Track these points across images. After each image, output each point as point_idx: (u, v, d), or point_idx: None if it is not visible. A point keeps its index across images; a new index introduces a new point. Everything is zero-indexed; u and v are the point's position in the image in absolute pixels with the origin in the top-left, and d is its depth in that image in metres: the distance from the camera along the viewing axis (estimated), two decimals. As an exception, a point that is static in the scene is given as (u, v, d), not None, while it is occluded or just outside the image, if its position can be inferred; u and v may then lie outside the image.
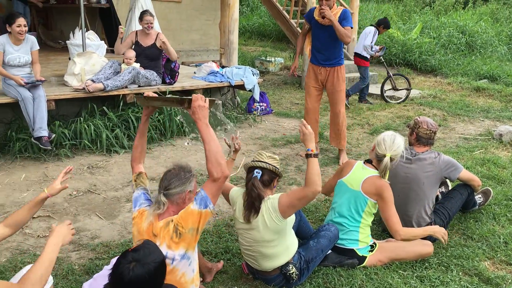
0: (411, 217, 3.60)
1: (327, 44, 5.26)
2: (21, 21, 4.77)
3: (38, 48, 5.12)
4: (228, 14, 7.26)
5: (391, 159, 3.28)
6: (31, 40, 5.01)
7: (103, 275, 2.50)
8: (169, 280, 2.38)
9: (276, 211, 2.82)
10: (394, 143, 3.29)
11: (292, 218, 3.00)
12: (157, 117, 5.92)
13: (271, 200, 2.86)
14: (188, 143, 5.33)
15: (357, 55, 8.40)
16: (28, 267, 2.35)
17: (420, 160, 3.63)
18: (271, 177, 2.91)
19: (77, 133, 5.33)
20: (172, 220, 2.43)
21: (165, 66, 6.19)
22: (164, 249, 2.39)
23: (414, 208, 3.60)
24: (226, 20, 7.32)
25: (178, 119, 5.92)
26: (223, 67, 7.39)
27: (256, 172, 2.90)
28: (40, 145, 4.91)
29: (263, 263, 2.98)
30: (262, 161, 2.91)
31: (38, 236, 3.57)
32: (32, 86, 4.90)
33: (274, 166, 2.90)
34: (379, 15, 15.45)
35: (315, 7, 5.32)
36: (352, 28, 5.20)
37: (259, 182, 2.87)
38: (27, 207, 2.49)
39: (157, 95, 2.75)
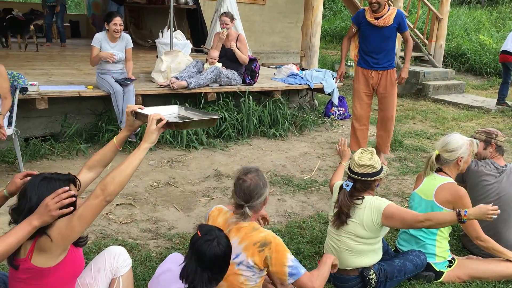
0: (501, 241, 3.30)
1: (379, 46, 5.11)
2: (118, 20, 5.11)
3: (132, 46, 5.45)
4: (311, 17, 7.25)
5: (441, 159, 3.14)
6: (126, 39, 5.34)
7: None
8: (230, 282, 2.42)
9: (380, 214, 2.79)
10: (448, 143, 3.13)
11: (387, 229, 2.95)
12: (235, 116, 6.05)
13: (379, 202, 2.84)
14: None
15: (505, 52, 8.23)
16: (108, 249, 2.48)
17: (508, 175, 3.40)
18: (366, 183, 2.88)
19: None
20: (269, 248, 2.42)
21: (246, 66, 6.31)
22: (239, 249, 2.43)
23: (507, 231, 3.36)
24: (309, 23, 7.32)
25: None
26: (303, 69, 7.39)
27: (345, 185, 2.89)
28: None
29: (345, 259, 2.93)
30: (353, 172, 2.88)
31: (120, 222, 3.77)
32: (123, 84, 5.21)
33: (364, 174, 2.85)
34: (470, 21, 14.69)
35: (364, 9, 5.17)
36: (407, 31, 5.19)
37: (347, 196, 2.88)
38: None
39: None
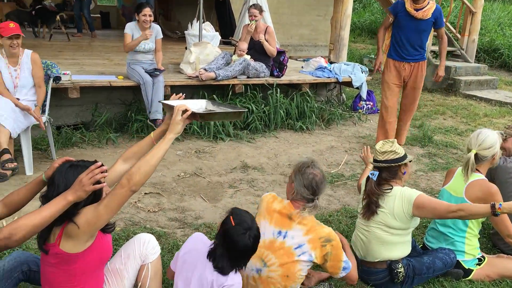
0: None
1: (414, 38, 5.09)
2: (147, 11, 5.16)
3: (162, 37, 5.50)
4: (341, 9, 7.17)
5: (478, 157, 3.05)
6: (156, 29, 5.39)
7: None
8: (287, 268, 2.44)
9: (411, 203, 2.79)
10: (484, 140, 3.05)
11: (417, 221, 2.93)
12: (262, 108, 6.05)
13: (410, 191, 2.84)
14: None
15: None
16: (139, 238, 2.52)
17: None
18: (392, 171, 2.87)
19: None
20: (332, 245, 2.49)
21: (275, 59, 6.29)
22: (304, 240, 2.46)
23: None
24: (339, 15, 7.24)
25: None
26: (331, 62, 7.33)
27: (371, 174, 2.89)
28: (154, 127, 5.26)
29: (374, 250, 2.92)
30: (376, 161, 2.89)
31: (148, 210, 3.83)
32: (152, 75, 5.27)
33: (387, 161, 2.84)
34: (504, 16, 14.28)
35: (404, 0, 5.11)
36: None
37: (374, 184, 2.88)
38: (24, 188, 2.25)
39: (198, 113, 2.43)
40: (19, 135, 4.18)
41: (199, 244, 2.39)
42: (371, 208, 2.91)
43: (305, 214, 2.50)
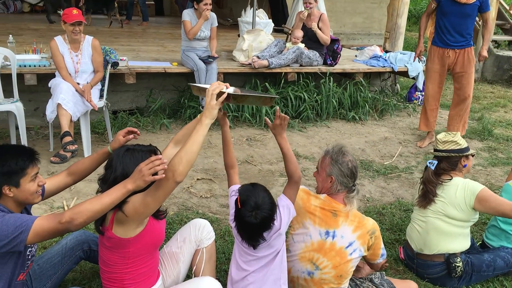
0: None
1: (459, 24, 4.87)
2: (208, 0, 5.17)
3: (217, 25, 5.52)
4: (399, -4, 6.94)
5: None
6: (212, 17, 5.41)
7: None
8: (341, 269, 2.37)
9: (474, 195, 2.71)
10: None
11: (477, 216, 2.84)
12: (315, 97, 5.97)
13: (474, 183, 2.77)
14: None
15: None
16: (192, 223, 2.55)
17: None
18: (451, 161, 2.78)
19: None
20: (375, 236, 2.43)
21: (328, 47, 6.17)
22: (353, 237, 2.37)
23: None
24: (396, 2, 7.01)
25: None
26: (386, 51, 7.12)
27: (429, 163, 2.82)
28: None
29: (431, 241, 2.83)
30: (436, 150, 2.82)
31: (200, 196, 3.88)
32: (206, 62, 5.30)
33: (447, 150, 2.75)
34: None
35: None
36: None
37: (431, 173, 2.81)
38: (89, 158, 2.40)
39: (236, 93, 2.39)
40: (79, 118, 4.32)
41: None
42: (427, 196, 2.84)
43: (353, 208, 2.39)
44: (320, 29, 5.92)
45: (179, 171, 1.90)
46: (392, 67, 6.59)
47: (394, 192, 4.23)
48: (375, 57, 6.77)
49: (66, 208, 3.48)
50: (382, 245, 2.50)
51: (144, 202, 1.96)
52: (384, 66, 6.59)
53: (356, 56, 7.17)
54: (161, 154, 2.18)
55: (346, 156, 2.40)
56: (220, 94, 2.06)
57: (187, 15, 5.34)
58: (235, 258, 2.29)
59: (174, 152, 2.46)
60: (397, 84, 7.35)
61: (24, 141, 4.22)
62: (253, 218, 2.09)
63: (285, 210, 2.23)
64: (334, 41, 6.22)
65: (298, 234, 2.44)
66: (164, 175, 1.93)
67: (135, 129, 2.37)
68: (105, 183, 2.05)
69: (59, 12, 6.06)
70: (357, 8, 11.04)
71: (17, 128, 4.31)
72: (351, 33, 11.12)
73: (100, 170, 2.24)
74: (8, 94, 4.39)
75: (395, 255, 3.20)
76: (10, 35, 5.04)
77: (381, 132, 5.78)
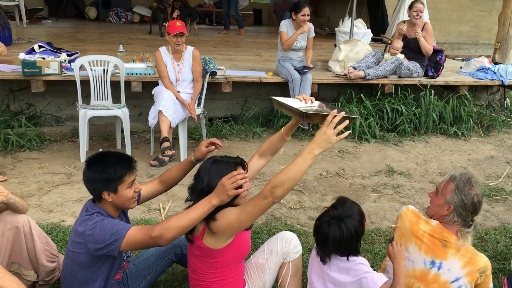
0: None
1: None
2: (307, 11, 5.20)
3: (314, 35, 5.50)
4: (512, 4, 6.43)
5: None
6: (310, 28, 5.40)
7: None
8: None
9: None
10: None
11: None
12: (413, 110, 5.71)
13: None
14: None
15: None
16: None
17: None
18: None
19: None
20: (486, 274, 2.23)
21: (430, 58, 5.88)
22: (461, 273, 2.20)
23: None
24: (508, 11, 6.51)
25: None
26: (496, 63, 6.62)
27: None
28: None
29: None
30: None
31: (289, 207, 3.87)
32: (301, 72, 5.30)
33: None
34: None
35: None
36: None
37: None
38: (176, 167, 2.48)
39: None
40: (177, 125, 4.53)
41: None
42: None
43: (466, 244, 2.18)
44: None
45: (278, 194, 1.91)
46: (502, 80, 6.10)
47: (499, 216, 3.90)
48: (483, 69, 6.31)
49: (161, 210, 3.65)
50: (491, 285, 2.28)
51: (239, 218, 2.00)
52: (492, 79, 6.13)
53: (461, 67, 6.76)
54: (247, 167, 2.21)
55: (473, 189, 2.19)
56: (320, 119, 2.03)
57: (284, 26, 5.38)
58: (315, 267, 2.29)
59: (258, 164, 2.51)
60: (507, 99, 6.79)
61: (128, 144, 4.52)
62: (330, 227, 2.11)
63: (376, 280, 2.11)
64: (437, 51, 5.91)
65: None
66: (248, 190, 1.95)
67: (217, 141, 2.42)
68: (194, 192, 2.12)
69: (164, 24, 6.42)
70: (464, 16, 10.41)
71: (122, 131, 4.62)
72: (457, 42, 10.50)
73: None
74: (116, 99, 4.73)
75: (498, 286, 2.93)
76: (121, 45, 5.44)
77: (486, 150, 5.37)
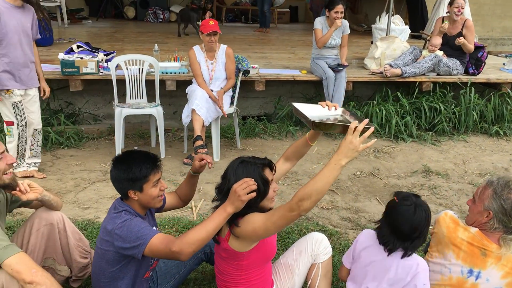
0: None
1: None
2: (340, 8, 5.11)
3: (349, 32, 5.41)
4: (560, -3, 6.11)
5: None
6: (344, 25, 5.32)
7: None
8: None
9: None
10: None
11: None
12: (452, 108, 5.53)
13: None
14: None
15: None
16: None
17: None
18: None
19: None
20: None
21: (471, 55, 5.67)
22: (500, 284, 2.12)
23: None
24: (556, 4, 6.19)
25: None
26: (542, 59, 6.33)
27: None
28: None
29: None
30: None
31: (322, 207, 3.81)
32: (335, 70, 5.22)
33: None
34: None
35: None
36: None
37: None
38: (183, 183, 2.56)
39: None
40: (210, 123, 4.55)
41: (370, 240, 2.28)
42: None
43: (508, 252, 2.08)
44: (463, 36, 5.47)
45: (305, 207, 1.89)
46: (548, 77, 5.83)
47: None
48: (528, 65, 6.05)
49: (193, 208, 3.68)
50: None
51: (265, 227, 1.99)
52: (538, 76, 5.87)
53: (504, 64, 6.49)
54: (275, 168, 2.19)
55: None
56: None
57: (319, 23, 5.32)
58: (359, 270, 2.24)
59: (284, 167, 2.49)
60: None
61: (162, 142, 4.58)
62: (411, 209, 2.08)
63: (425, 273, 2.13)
64: (478, 48, 5.70)
65: (435, 264, 2.23)
66: (275, 192, 1.92)
67: (208, 158, 2.41)
68: (220, 192, 2.12)
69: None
70: (508, 11, 10.01)
71: (157, 129, 4.68)
72: (500, 38, 10.11)
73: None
74: (151, 98, 4.80)
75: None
76: (156, 45, 5.51)
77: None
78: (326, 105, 2.30)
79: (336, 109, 2.30)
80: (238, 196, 1.95)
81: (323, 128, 2.09)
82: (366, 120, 1.92)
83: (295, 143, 2.49)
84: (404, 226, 2.09)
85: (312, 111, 2.25)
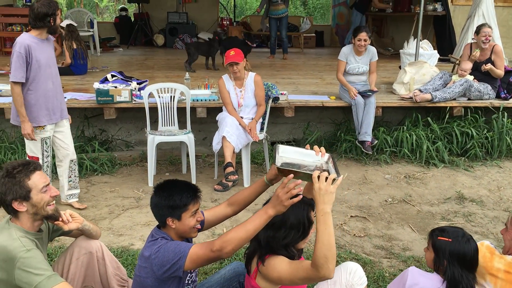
0: None
1: None
2: (363, 35, 5.13)
3: (377, 59, 5.40)
4: None
5: None
6: (372, 52, 5.32)
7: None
8: None
9: None
10: None
11: None
12: (484, 133, 5.45)
13: None
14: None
15: None
16: None
17: None
18: None
19: (398, 141, 5.41)
20: None
21: (502, 79, 5.61)
22: None
23: None
24: None
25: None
26: None
27: None
28: (362, 149, 5.21)
29: None
30: None
31: (354, 235, 3.78)
32: (364, 95, 5.22)
33: None
34: None
35: None
36: None
37: None
38: (248, 188, 2.44)
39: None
40: (240, 150, 4.60)
41: (421, 278, 2.26)
42: None
43: None
44: (493, 62, 5.41)
45: (325, 270, 1.88)
46: None
47: None
48: (561, 89, 5.91)
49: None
50: None
51: (290, 279, 2.02)
52: None
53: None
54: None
55: None
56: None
57: (343, 54, 5.30)
58: None
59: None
60: None
61: (193, 169, 4.64)
62: (468, 241, 2.17)
63: None
64: (509, 72, 5.63)
65: None
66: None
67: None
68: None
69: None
70: (538, 33, 9.86)
71: (187, 155, 4.76)
72: (531, 60, 9.94)
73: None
74: (182, 125, 4.89)
75: None
76: (187, 73, 5.65)
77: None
78: (315, 150, 2.28)
79: (322, 156, 2.27)
80: (281, 201, 1.98)
81: (285, 174, 2.06)
82: (340, 178, 1.99)
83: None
84: (473, 260, 2.17)
85: (295, 154, 2.26)
